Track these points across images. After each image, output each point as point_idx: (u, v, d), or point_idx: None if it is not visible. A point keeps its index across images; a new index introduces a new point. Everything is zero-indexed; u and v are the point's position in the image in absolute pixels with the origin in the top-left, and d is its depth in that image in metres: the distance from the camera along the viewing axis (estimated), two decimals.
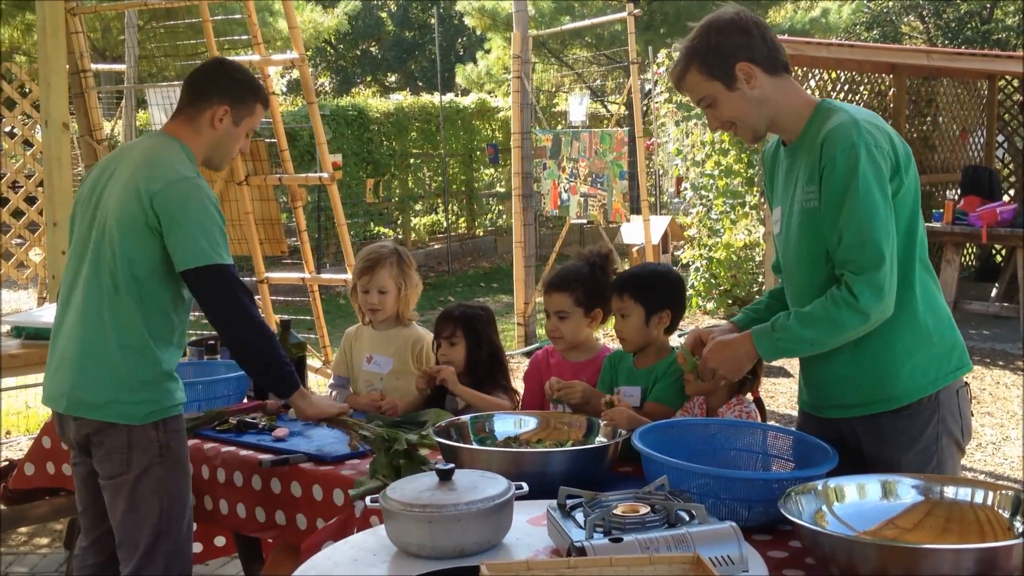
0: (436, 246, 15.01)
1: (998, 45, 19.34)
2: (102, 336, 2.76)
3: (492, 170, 15.83)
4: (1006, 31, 20.38)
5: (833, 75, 10.09)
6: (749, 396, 2.84)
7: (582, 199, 8.02)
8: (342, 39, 23.77)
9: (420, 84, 24.49)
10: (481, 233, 15.95)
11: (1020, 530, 1.92)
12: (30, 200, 7.96)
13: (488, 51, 16.81)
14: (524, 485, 2.14)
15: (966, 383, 2.51)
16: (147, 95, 7.01)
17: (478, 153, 15.33)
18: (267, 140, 6.46)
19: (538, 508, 2.14)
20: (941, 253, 8.58)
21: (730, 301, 9.43)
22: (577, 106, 8.64)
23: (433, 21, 21.55)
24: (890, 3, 21.27)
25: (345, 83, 25.69)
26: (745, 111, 2.46)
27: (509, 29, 10.91)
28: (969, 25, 20.92)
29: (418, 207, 15.24)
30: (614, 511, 1.96)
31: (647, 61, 11.46)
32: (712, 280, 9.56)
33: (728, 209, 9.40)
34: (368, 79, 26.33)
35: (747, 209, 9.29)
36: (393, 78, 26.73)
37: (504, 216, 15.72)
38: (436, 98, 14.98)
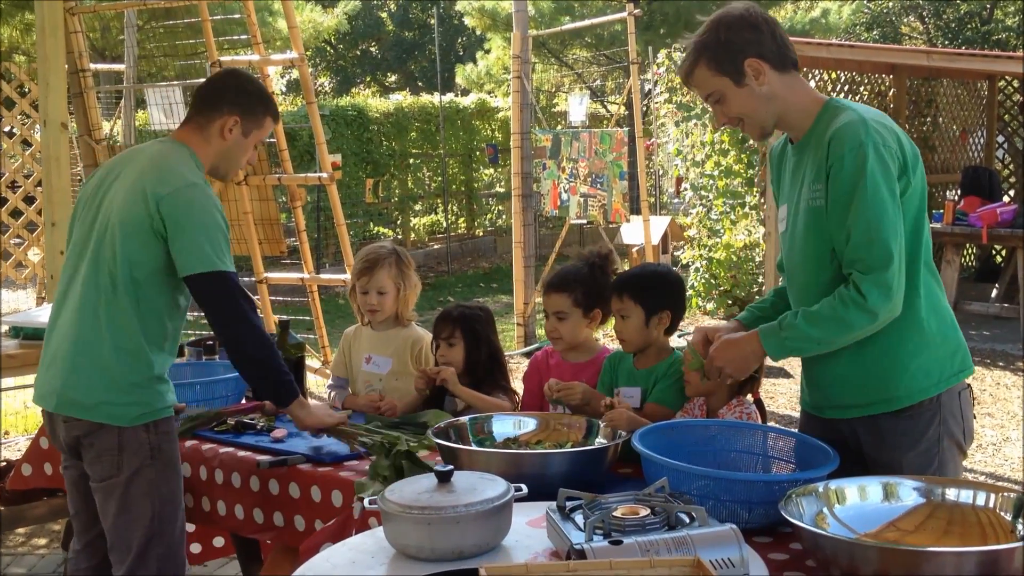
0: (436, 246, 15.00)
1: (998, 46, 19.35)
2: (97, 336, 2.75)
3: (492, 170, 15.83)
4: (1006, 31, 20.39)
5: (833, 75, 10.08)
6: (749, 397, 2.83)
7: (582, 199, 8.01)
8: (342, 39, 23.77)
9: (420, 84, 24.49)
10: (481, 233, 15.94)
11: (1022, 533, 1.91)
12: (29, 200, 7.95)
13: (488, 51, 16.80)
14: (523, 487, 2.13)
15: (968, 385, 2.50)
16: (146, 95, 7.00)
17: (478, 153, 15.33)
18: (266, 140, 6.45)
19: (537, 510, 2.13)
20: (941, 254, 8.57)
21: (730, 302, 9.42)
22: (577, 106, 8.63)
23: (433, 21, 21.55)
24: (890, 3, 21.27)
25: (345, 83, 25.69)
26: (753, 107, 2.45)
27: (509, 29, 10.90)
28: (969, 25, 20.93)
29: (418, 207, 15.24)
30: (614, 513, 1.95)
31: (647, 61, 11.46)
32: (712, 280, 9.55)
33: (728, 209, 9.39)
34: (368, 79, 26.33)
35: (747, 209, 9.28)
36: (393, 78, 26.73)
37: (504, 216, 15.71)
38: (436, 98, 14.97)
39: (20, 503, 4.34)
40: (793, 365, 7.26)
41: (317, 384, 6.44)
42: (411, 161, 14.69)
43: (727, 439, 2.52)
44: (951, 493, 2.08)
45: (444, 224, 15.06)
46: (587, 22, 11.94)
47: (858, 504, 2.08)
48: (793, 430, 2.62)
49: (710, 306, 9.54)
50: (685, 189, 10.15)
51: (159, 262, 2.75)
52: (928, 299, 2.42)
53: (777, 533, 2.16)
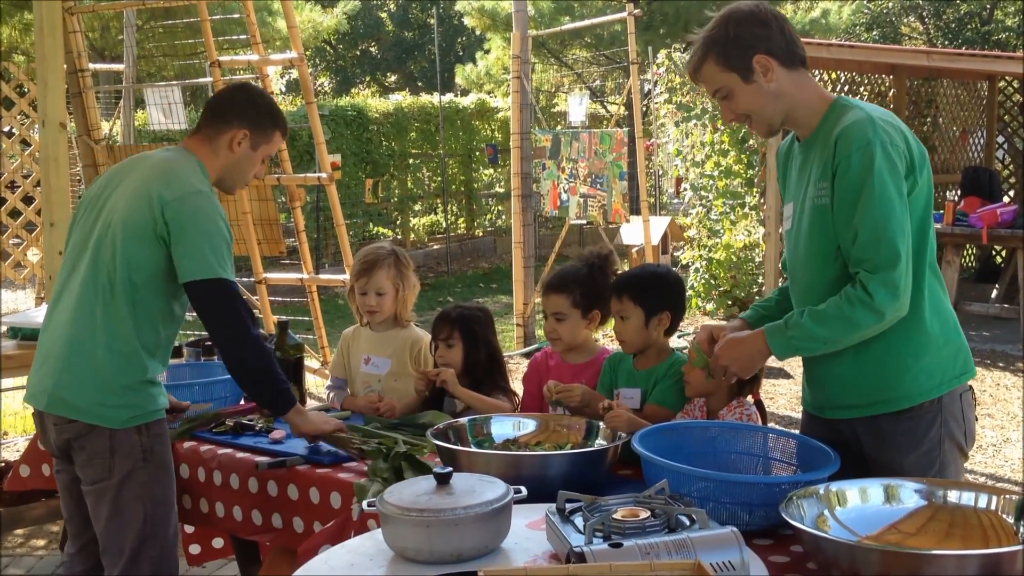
0: (435, 246, 15.00)
1: (998, 46, 19.35)
2: (92, 337, 2.74)
3: (491, 170, 15.82)
4: (1006, 32, 20.40)
5: (833, 75, 10.08)
6: (750, 398, 2.82)
7: (581, 200, 8.00)
8: (341, 39, 23.76)
9: (419, 84, 24.48)
10: (480, 234, 15.93)
11: None
12: (28, 200, 7.93)
13: (487, 51, 16.79)
14: (523, 489, 2.12)
15: (970, 387, 2.49)
16: (145, 95, 6.99)
17: (477, 153, 15.32)
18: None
19: (537, 512, 2.12)
20: (941, 254, 8.56)
21: (730, 302, 9.41)
22: (577, 106, 8.62)
23: (432, 21, 21.54)
24: (890, 4, 21.27)
25: (344, 83, 25.68)
26: (761, 104, 2.44)
27: (509, 29, 10.89)
28: (969, 26, 20.93)
29: (417, 207, 15.23)
30: (614, 515, 1.94)
31: (647, 61, 11.45)
32: (712, 281, 9.54)
33: (728, 210, 9.38)
34: (367, 79, 26.32)
35: (747, 210, 9.27)
36: (392, 78, 26.72)
37: (503, 217, 15.70)
38: (435, 98, 14.97)
39: (18, 504, 4.33)
40: (793, 366, 7.25)
41: (316, 385, 6.43)
42: (411, 161, 14.69)
43: (727, 441, 2.51)
44: (953, 495, 2.07)
45: (444, 224, 15.05)
46: (587, 22, 11.93)
47: (859, 506, 2.07)
48: (794, 431, 2.61)
49: (710, 307, 9.53)
50: (685, 189, 10.14)
51: (158, 266, 2.75)
52: (932, 301, 2.41)
53: (778, 535, 2.15)
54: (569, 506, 2.03)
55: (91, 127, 6.26)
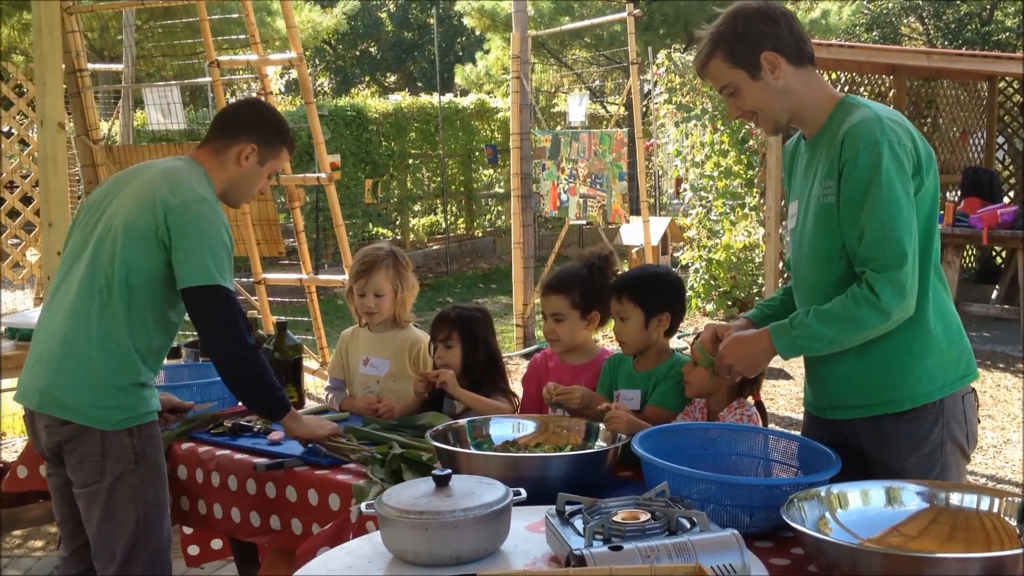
0: (435, 247, 14.99)
1: (998, 46, 19.35)
2: (85, 337, 2.74)
3: (491, 171, 15.81)
4: (1006, 32, 20.40)
5: (833, 76, 10.06)
6: (750, 399, 2.81)
7: (581, 200, 7.99)
8: (341, 39, 23.75)
9: (419, 84, 24.47)
10: (480, 234, 15.92)
11: None
12: (26, 200, 7.92)
13: (487, 51, 16.79)
14: (522, 491, 2.11)
15: (972, 389, 2.48)
16: (144, 95, 6.98)
17: (477, 154, 15.31)
18: None
19: (536, 514, 2.11)
20: (941, 255, 8.50)
21: (730, 303, 9.40)
22: (576, 107, 8.61)
23: (432, 21, 21.53)
24: (890, 4, 21.26)
25: (344, 83, 25.67)
26: (768, 101, 2.43)
27: (508, 29, 10.88)
28: (969, 26, 20.93)
29: (417, 208, 15.22)
30: (614, 518, 1.93)
31: (647, 62, 11.44)
32: (712, 281, 9.54)
33: (728, 210, 9.37)
34: (367, 79, 26.31)
35: (747, 210, 9.26)
36: (392, 78, 26.71)
37: (503, 217, 15.69)
38: (435, 98, 14.96)
39: (16, 505, 4.33)
40: (793, 367, 7.24)
41: (315, 385, 6.42)
42: (410, 162, 14.68)
43: (728, 442, 2.50)
44: (955, 498, 2.06)
45: (443, 225, 15.04)
46: (587, 22, 11.92)
47: (861, 509, 2.06)
48: (794, 433, 2.60)
49: (710, 307, 9.52)
50: (685, 190, 10.13)
51: (156, 270, 2.75)
52: (935, 303, 2.40)
53: (779, 538, 2.13)
54: (569, 508, 2.02)
55: (90, 127, 6.24)
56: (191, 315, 2.78)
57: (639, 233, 8.26)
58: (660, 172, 12.08)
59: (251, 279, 6.71)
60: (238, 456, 3.03)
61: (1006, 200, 9.78)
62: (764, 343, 2.41)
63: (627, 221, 8.38)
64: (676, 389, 2.87)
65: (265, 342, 3.50)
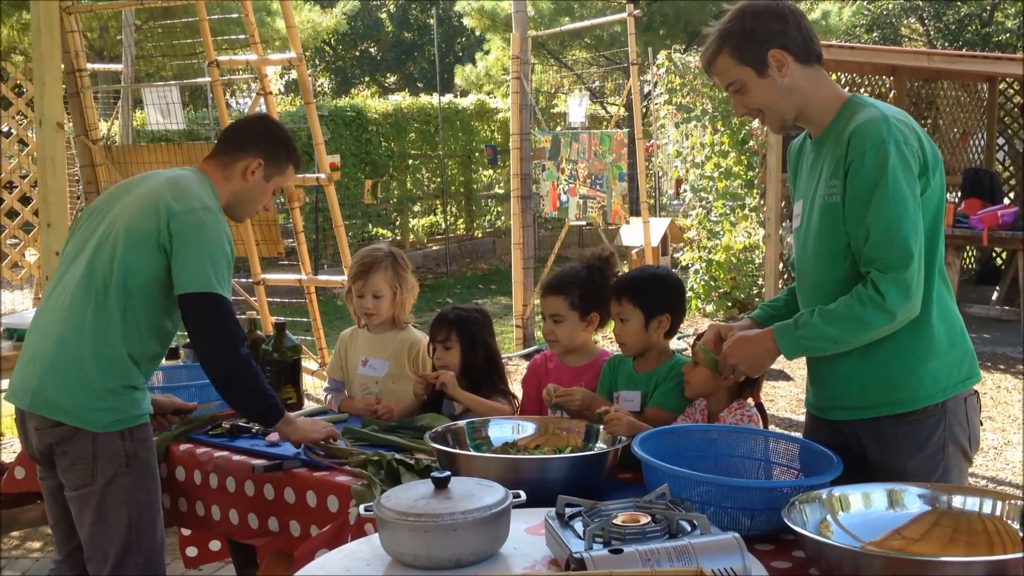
0: (434, 247, 14.98)
1: (998, 47, 19.35)
2: (79, 339, 2.73)
3: (491, 171, 15.81)
4: (1006, 33, 20.40)
5: (833, 77, 10.03)
6: (751, 400, 2.80)
7: (581, 201, 7.98)
8: (341, 39, 23.75)
9: (419, 85, 24.47)
10: (480, 235, 15.92)
11: None
12: (25, 200, 7.91)
13: (487, 52, 16.78)
14: (522, 493, 2.10)
15: (975, 392, 2.47)
16: (143, 95, 6.97)
17: (477, 154, 15.31)
18: None
19: (536, 516, 2.10)
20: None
21: (729, 304, 9.39)
22: (576, 107, 8.60)
23: (432, 22, 21.52)
24: (890, 5, 21.26)
25: (344, 84, 25.67)
26: (774, 99, 2.42)
27: (508, 30, 10.87)
28: (969, 27, 20.93)
29: (416, 208, 15.22)
30: (614, 521, 1.92)
31: (647, 62, 11.43)
32: (712, 282, 9.52)
33: (728, 211, 9.36)
34: (367, 80, 26.31)
35: (747, 211, 9.25)
36: (392, 79, 26.71)
37: (503, 218, 15.69)
38: (435, 99, 14.96)
39: (13, 506, 4.31)
40: (794, 368, 7.23)
41: (314, 386, 6.41)
42: (410, 162, 14.68)
43: (728, 444, 2.49)
44: (957, 500, 2.05)
45: (443, 225, 15.03)
46: (587, 23, 11.92)
47: (862, 511, 2.05)
48: (795, 435, 2.59)
49: (709, 308, 9.51)
50: (685, 191, 10.12)
51: (155, 275, 2.75)
52: (939, 305, 2.39)
53: (780, 540, 2.12)
54: (569, 511, 2.01)
55: (89, 127, 6.23)
56: (186, 321, 2.77)
57: (639, 234, 8.25)
58: (660, 173, 12.07)
59: (250, 279, 6.70)
60: (236, 457, 3.01)
61: (1006, 201, 9.78)
62: (768, 343, 2.40)
63: (627, 222, 8.37)
64: (676, 390, 2.86)
65: (264, 343, 3.49)
